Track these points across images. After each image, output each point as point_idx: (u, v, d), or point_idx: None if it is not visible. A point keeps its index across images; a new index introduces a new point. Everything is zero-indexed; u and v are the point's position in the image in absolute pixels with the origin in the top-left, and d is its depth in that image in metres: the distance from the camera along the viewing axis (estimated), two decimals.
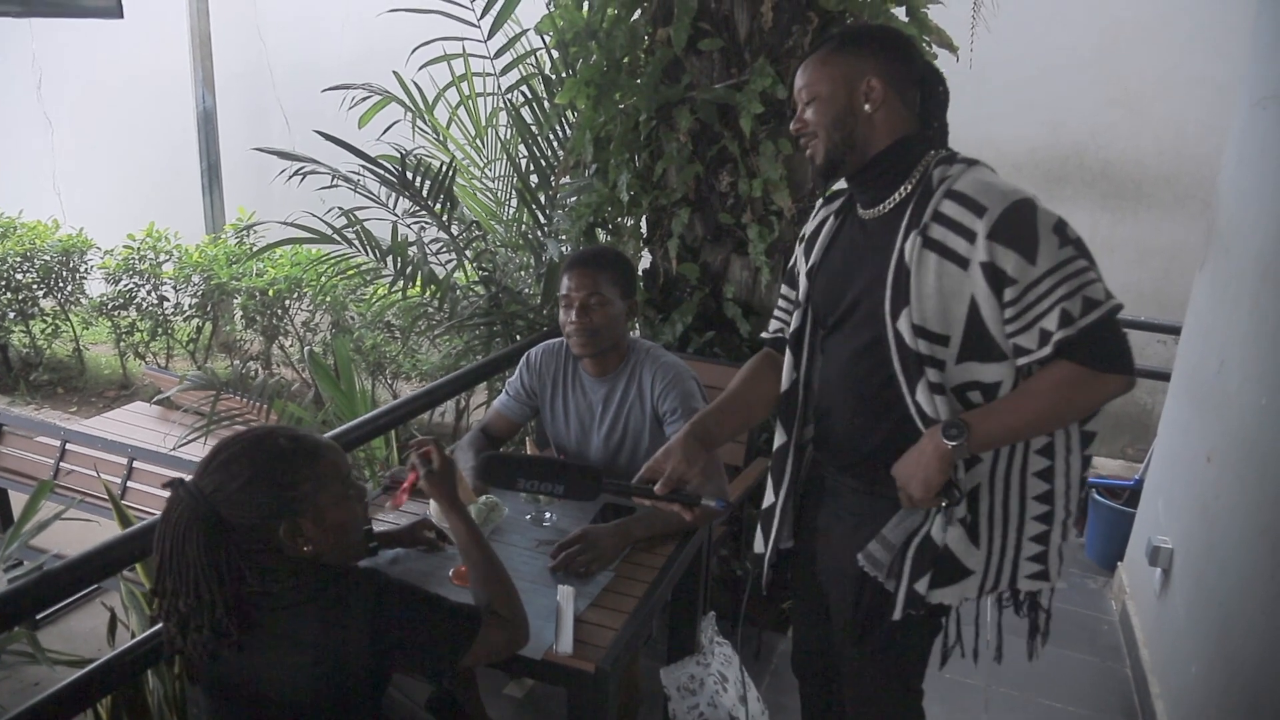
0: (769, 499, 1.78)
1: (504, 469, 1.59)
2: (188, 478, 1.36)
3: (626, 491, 1.62)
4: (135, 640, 1.74)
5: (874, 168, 1.53)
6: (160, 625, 1.69)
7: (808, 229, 1.73)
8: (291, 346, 5.47)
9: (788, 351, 1.71)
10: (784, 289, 1.79)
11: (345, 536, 1.41)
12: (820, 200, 1.74)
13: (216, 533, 1.30)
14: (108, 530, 2.99)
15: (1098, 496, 3.64)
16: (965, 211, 1.40)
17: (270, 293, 5.16)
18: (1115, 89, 4.72)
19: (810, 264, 1.68)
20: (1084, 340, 1.36)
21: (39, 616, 3.11)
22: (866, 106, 1.49)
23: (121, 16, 5.02)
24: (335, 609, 1.35)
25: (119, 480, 3.34)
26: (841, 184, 1.64)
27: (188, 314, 5.66)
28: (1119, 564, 3.41)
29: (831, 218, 1.68)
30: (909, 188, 1.50)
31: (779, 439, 1.74)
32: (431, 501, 1.78)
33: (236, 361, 5.61)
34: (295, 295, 5.21)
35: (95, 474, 3.15)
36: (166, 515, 1.32)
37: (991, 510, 1.53)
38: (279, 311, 5.30)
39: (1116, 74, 4.70)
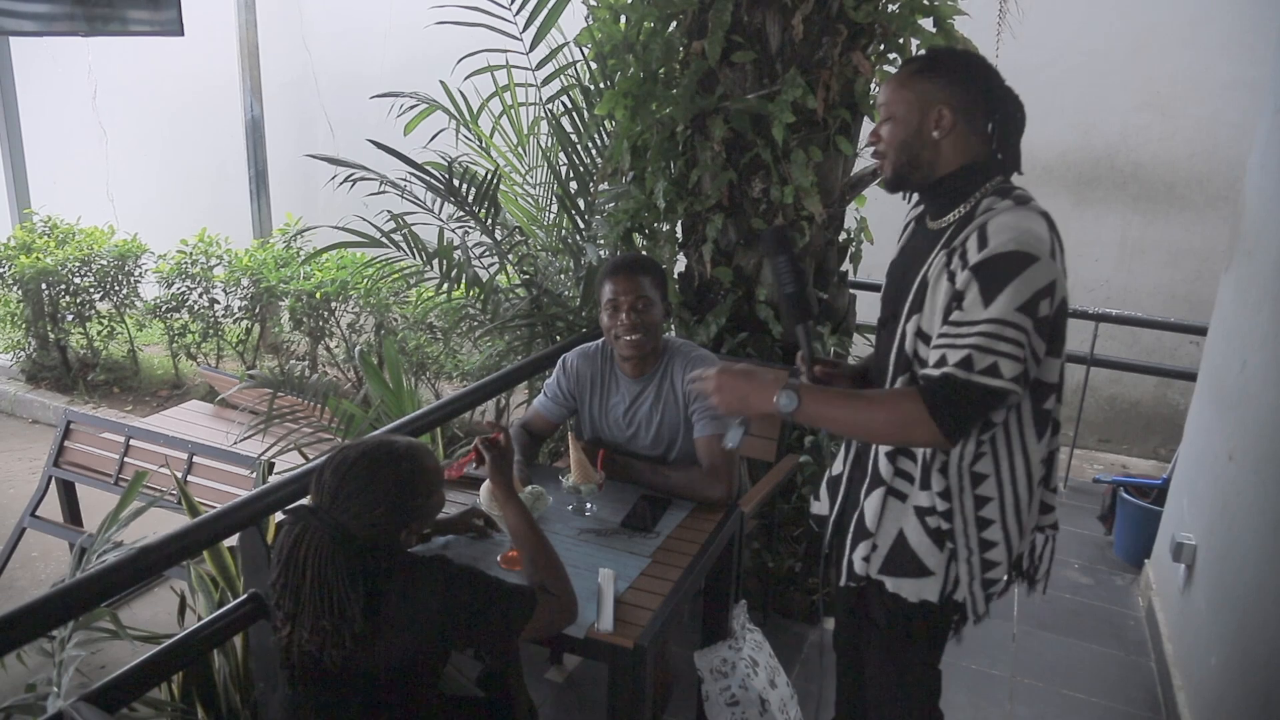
0: (837, 468, 1.90)
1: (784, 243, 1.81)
2: (308, 504, 1.50)
3: (809, 346, 1.76)
4: (203, 621, 1.88)
5: (940, 187, 1.61)
6: (229, 608, 1.84)
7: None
8: (337, 347, 5.64)
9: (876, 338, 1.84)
10: None
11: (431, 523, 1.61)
12: (911, 205, 1.84)
13: (353, 551, 1.44)
14: (171, 522, 3.15)
15: (1126, 495, 3.69)
16: (976, 243, 1.49)
17: (317, 295, 5.33)
18: (1147, 92, 4.76)
19: (891, 263, 1.80)
20: (942, 385, 1.44)
21: (106, 603, 3.28)
22: (935, 133, 1.57)
23: (182, 34, 5.20)
24: (410, 591, 1.49)
25: (180, 475, 3.50)
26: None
27: (237, 316, 5.85)
28: (1146, 561, 3.46)
29: (913, 222, 1.79)
30: (964, 209, 1.58)
31: None
32: (481, 490, 1.91)
33: (291, 361, 5.78)
34: (341, 298, 5.38)
35: (166, 470, 3.31)
36: (297, 543, 1.44)
37: (964, 528, 1.62)
38: (325, 313, 5.47)
39: (1148, 77, 4.74)
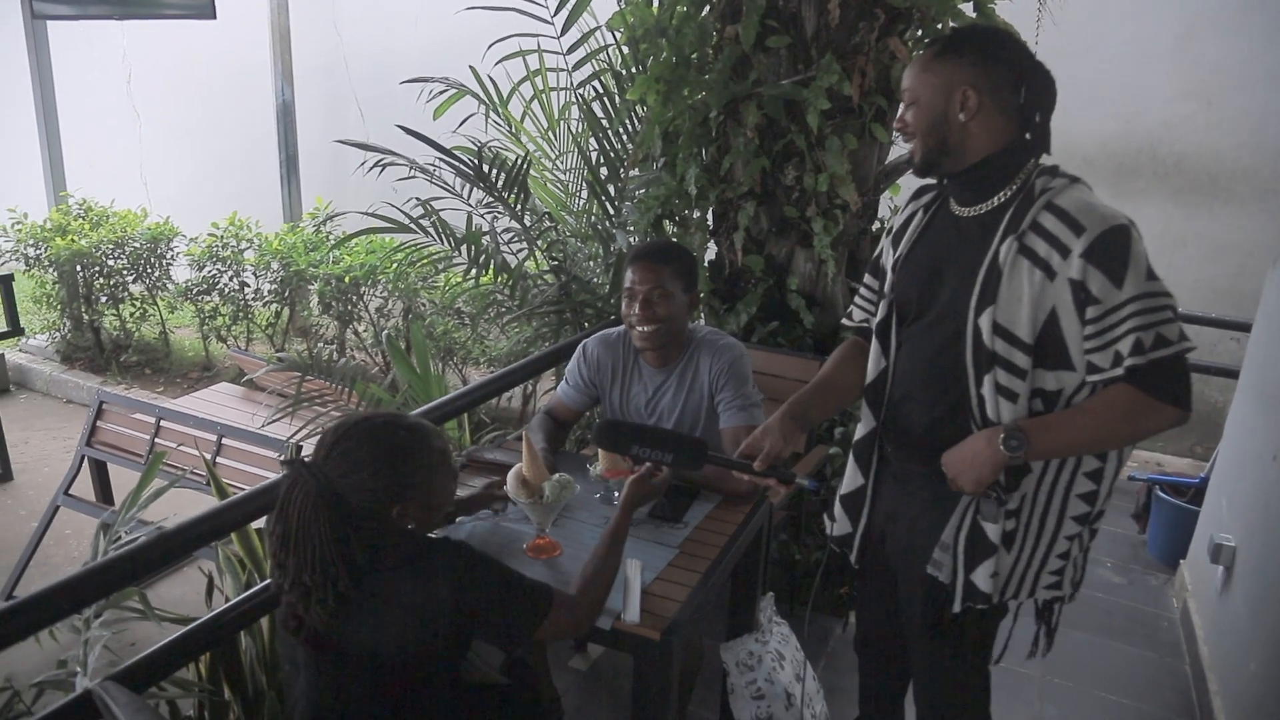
0: (855, 482, 1.84)
1: (620, 436, 1.75)
2: (306, 458, 1.48)
3: (728, 465, 1.73)
4: (231, 603, 1.89)
5: (975, 172, 1.57)
6: (257, 590, 1.85)
7: (896, 222, 1.78)
8: (365, 331, 5.66)
9: (874, 341, 1.76)
10: (867, 279, 1.85)
11: (440, 512, 1.56)
12: (911, 196, 1.78)
13: (339, 512, 1.42)
14: (200, 503, 3.17)
15: (1162, 494, 3.62)
16: (1064, 227, 1.45)
17: (346, 280, 5.34)
18: (1191, 80, 4.63)
19: (896, 256, 1.73)
20: (1151, 369, 1.41)
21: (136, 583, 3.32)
22: (961, 116, 1.53)
23: (214, 17, 5.23)
24: (425, 576, 1.47)
25: (209, 456, 3.53)
26: (930, 179, 1.69)
27: (267, 299, 5.88)
28: (1181, 561, 3.39)
29: (921, 212, 1.72)
30: (1009, 193, 1.54)
31: (866, 425, 1.79)
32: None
33: (319, 345, 5.81)
34: (370, 282, 5.40)
35: (196, 451, 3.34)
36: (289, 494, 1.43)
37: (1029, 522, 1.59)
38: (354, 298, 5.49)
39: (1193, 65, 4.61)
